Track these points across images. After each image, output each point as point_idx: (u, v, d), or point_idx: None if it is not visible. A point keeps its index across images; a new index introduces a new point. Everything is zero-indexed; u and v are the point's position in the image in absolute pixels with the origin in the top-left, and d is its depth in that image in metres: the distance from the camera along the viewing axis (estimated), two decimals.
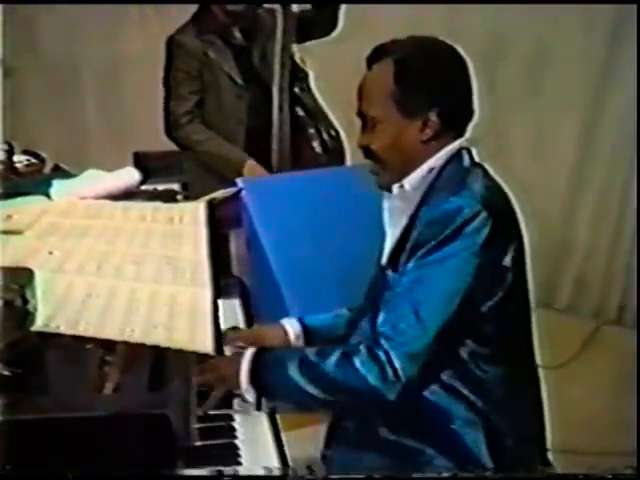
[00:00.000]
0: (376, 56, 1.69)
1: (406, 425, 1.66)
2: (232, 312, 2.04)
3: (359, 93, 1.70)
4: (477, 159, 1.70)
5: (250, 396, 1.58)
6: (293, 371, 1.56)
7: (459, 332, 1.58)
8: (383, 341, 1.54)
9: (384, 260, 1.74)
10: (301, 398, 1.60)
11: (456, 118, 1.68)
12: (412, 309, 1.54)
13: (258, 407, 1.57)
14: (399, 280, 1.61)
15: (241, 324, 1.98)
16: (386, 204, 1.75)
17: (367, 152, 1.70)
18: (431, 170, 1.66)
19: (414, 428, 1.65)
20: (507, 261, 1.60)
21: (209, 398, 1.58)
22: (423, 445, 1.64)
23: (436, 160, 1.66)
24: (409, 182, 1.67)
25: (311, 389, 1.56)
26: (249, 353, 1.61)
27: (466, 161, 1.67)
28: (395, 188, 1.69)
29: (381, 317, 1.60)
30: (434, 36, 1.73)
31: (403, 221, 1.67)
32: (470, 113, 1.70)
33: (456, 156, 1.67)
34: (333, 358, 1.56)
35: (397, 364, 1.51)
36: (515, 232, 1.66)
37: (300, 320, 1.95)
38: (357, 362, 1.53)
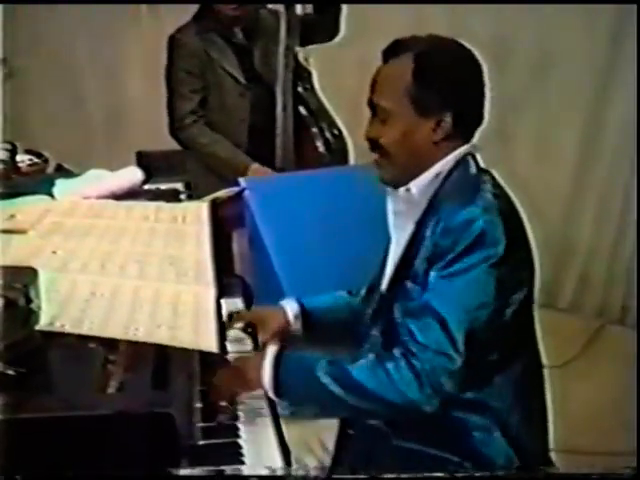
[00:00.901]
0: (394, 50, 1.66)
1: (422, 434, 1.64)
2: None
3: (372, 84, 1.68)
4: (482, 165, 1.69)
5: (271, 394, 1.56)
6: (320, 370, 1.53)
7: (488, 344, 1.55)
8: (416, 352, 1.51)
9: (391, 268, 1.71)
10: (326, 400, 1.56)
11: (468, 122, 1.67)
12: (439, 324, 1.50)
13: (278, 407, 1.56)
14: (420, 292, 1.58)
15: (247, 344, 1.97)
16: (390, 206, 1.73)
17: (374, 145, 1.68)
18: (438, 175, 1.64)
19: (430, 436, 1.64)
20: (524, 269, 1.60)
21: (231, 405, 1.57)
22: (443, 452, 1.63)
23: (443, 165, 1.64)
24: (416, 186, 1.65)
25: (338, 391, 1.52)
26: (270, 353, 1.59)
27: (472, 167, 1.65)
28: (401, 191, 1.67)
29: (408, 330, 1.56)
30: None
31: (410, 226, 1.66)
32: (481, 119, 1.69)
33: (462, 162, 1.65)
34: (364, 363, 1.54)
35: (433, 376, 1.48)
36: (525, 239, 1.64)
37: (299, 301, 1.95)
38: (391, 369, 1.50)
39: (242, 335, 1.90)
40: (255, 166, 3.22)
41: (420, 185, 1.65)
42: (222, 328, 1.59)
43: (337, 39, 3.30)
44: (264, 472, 1.39)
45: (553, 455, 1.82)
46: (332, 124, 3.38)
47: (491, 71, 4.06)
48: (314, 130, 3.35)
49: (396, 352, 1.54)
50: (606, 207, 4.09)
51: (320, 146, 3.34)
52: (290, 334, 1.94)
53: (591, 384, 3.35)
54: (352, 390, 1.52)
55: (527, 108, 4.11)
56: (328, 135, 3.36)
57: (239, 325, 1.90)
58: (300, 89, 3.34)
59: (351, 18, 3.29)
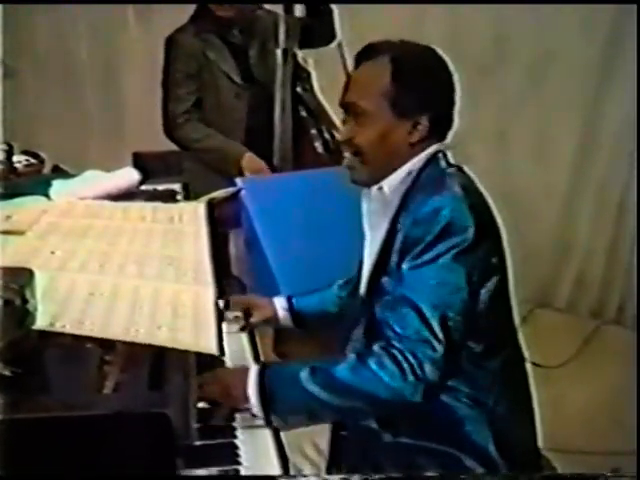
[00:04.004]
0: (368, 53, 1.69)
1: (413, 428, 1.65)
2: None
3: (347, 85, 1.71)
4: (452, 161, 1.71)
5: (258, 411, 1.53)
6: (305, 379, 1.52)
7: (467, 332, 1.56)
8: (396, 343, 1.51)
9: (368, 266, 1.74)
10: (314, 407, 1.55)
11: (442, 125, 1.70)
12: (416, 313, 1.51)
13: (268, 422, 1.53)
14: (395, 286, 1.60)
15: (240, 323, 1.99)
16: (365, 207, 1.77)
17: (347, 145, 1.70)
18: (409, 173, 1.67)
19: (422, 429, 1.64)
20: (494, 257, 1.62)
21: (215, 413, 1.55)
22: (436, 444, 1.64)
23: (414, 163, 1.67)
24: (388, 185, 1.68)
25: (325, 396, 1.51)
26: (254, 370, 1.57)
27: (442, 164, 1.68)
28: (374, 190, 1.70)
29: (387, 323, 1.57)
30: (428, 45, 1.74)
31: (384, 225, 1.68)
32: (452, 121, 1.72)
33: (433, 159, 1.68)
34: (346, 364, 1.54)
35: (415, 364, 1.48)
36: (495, 230, 1.66)
37: (289, 299, 2.04)
38: (373, 364, 1.50)
39: (238, 313, 1.98)
40: (249, 155, 3.22)
41: (392, 184, 1.68)
42: (221, 330, 1.59)
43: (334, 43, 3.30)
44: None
45: (549, 455, 1.82)
46: (331, 125, 3.38)
47: (491, 70, 4.06)
48: (313, 131, 3.35)
49: (376, 347, 1.54)
50: (603, 207, 4.09)
51: (319, 147, 3.34)
52: (280, 326, 2.05)
53: (588, 384, 3.35)
54: (339, 393, 1.52)
55: (525, 108, 4.11)
56: (327, 136, 3.35)
57: (236, 309, 1.98)
58: (299, 90, 3.34)
59: (350, 19, 3.29)
